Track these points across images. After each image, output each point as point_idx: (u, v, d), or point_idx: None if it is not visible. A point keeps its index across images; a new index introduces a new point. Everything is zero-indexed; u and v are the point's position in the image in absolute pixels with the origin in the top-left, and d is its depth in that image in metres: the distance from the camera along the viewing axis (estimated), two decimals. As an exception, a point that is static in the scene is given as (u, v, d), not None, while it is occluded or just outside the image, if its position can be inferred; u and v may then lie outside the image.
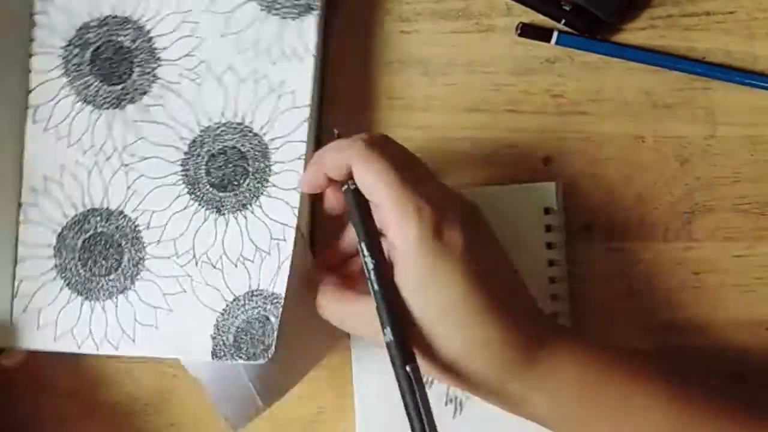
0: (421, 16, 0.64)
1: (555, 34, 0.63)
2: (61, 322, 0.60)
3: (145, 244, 0.61)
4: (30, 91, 0.61)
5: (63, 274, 0.61)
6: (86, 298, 0.61)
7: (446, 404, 0.62)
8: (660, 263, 0.64)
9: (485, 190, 0.63)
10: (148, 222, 0.61)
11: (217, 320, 0.59)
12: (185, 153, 0.61)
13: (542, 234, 0.62)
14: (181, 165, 0.61)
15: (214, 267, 0.60)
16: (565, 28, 0.63)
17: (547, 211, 0.62)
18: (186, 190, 0.61)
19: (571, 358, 0.54)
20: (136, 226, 0.61)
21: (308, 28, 0.60)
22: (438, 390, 0.62)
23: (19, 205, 0.61)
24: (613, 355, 0.55)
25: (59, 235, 0.61)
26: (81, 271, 0.61)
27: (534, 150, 0.64)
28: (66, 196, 0.61)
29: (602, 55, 0.63)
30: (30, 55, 0.61)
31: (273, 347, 0.59)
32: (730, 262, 0.64)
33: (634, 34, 0.64)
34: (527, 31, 0.63)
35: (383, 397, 0.62)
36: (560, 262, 0.62)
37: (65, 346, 0.60)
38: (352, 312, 0.55)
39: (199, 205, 0.61)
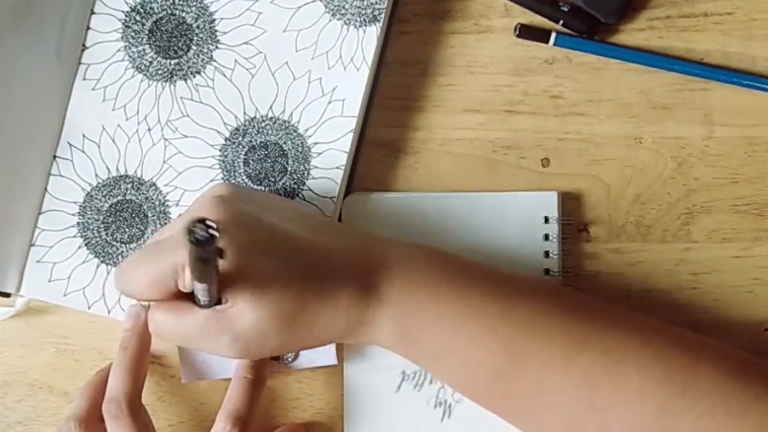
0: (420, 17, 0.64)
1: (553, 35, 0.63)
2: (74, 280, 0.61)
3: (170, 219, 0.61)
4: (85, 48, 0.61)
5: (84, 234, 0.61)
6: (103, 261, 0.61)
7: (435, 407, 0.62)
8: (658, 264, 0.64)
9: (485, 196, 0.63)
10: (178, 200, 0.61)
11: None
12: (226, 139, 0.61)
13: (540, 242, 0.62)
14: (220, 150, 0.61)
15: None
16: (564, 29, 0.63)
17: (546, 219, 0.62)
18: (221, 175, 0.61)
19: (403, 270, 0.55)
20: (165, 201, 0.61)
21: (370, 38, 0.61)
22: (427, 393, 0.62)
23: (54, 157, 0.61)
24: (442, 260, 0.57)
25: (87, 194, 0.61)
26: (103, 234, 0.61)
27: (532, 151, 0.64)
28: (101, 158, 0.61)
29: (600, 56, 0.63)
30: (91, 12, 0.61)
31: None
32: (728, 263, 0.64)
33: (632, 35, 0.64)
34: (525, 32, 0.63)
35: (373, 401, 0.62)
36: (555, 272, 0.62)
37: (75, 303, 0.61)
38: (189, 320, 0.54)
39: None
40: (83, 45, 0.61)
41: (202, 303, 0.53)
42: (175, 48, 0.62)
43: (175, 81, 0.61)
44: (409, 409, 0.62)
